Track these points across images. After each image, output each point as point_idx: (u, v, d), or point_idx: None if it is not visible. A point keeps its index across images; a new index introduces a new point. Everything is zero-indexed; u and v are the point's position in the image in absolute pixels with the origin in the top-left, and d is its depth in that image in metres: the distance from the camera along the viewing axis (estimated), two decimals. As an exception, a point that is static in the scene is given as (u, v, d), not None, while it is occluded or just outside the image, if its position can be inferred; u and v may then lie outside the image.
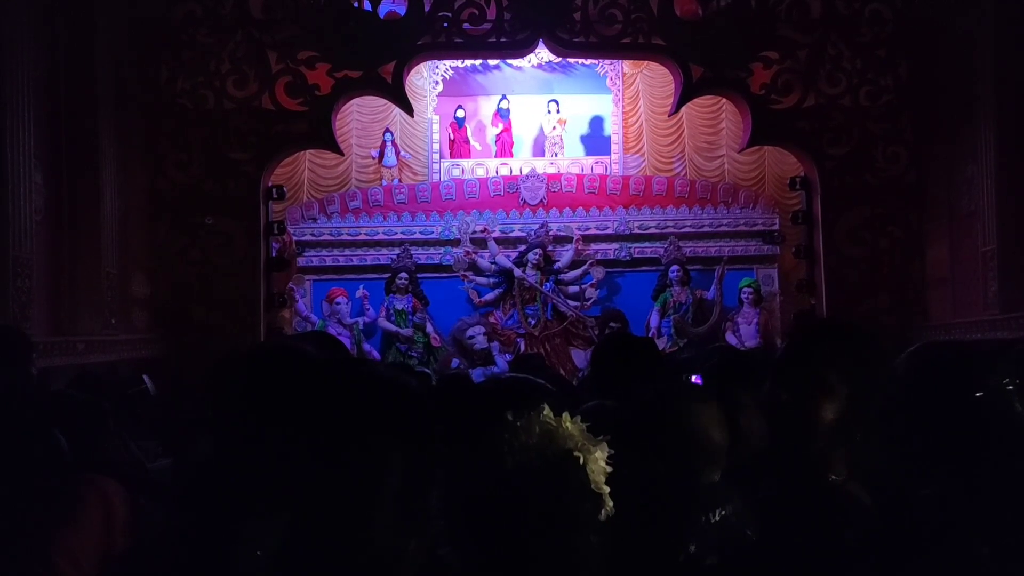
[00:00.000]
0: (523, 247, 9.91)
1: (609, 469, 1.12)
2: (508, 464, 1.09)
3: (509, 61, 10.78)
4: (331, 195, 10.56)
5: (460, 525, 1.14)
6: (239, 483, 0.97)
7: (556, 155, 11.37)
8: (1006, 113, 6.53)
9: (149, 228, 7.12)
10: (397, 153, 11.22)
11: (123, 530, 2.30)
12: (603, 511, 1.11)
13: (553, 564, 1.08)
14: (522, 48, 7.60)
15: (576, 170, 11.04)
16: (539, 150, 11.57)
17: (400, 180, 11.08)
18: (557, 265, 9.93)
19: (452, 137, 11.49)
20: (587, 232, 10.11)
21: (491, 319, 9.85)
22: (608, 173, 11.14)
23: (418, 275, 9.84)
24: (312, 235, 10.01)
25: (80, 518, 2.27)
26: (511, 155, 11.42)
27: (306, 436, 0.98)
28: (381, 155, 11.18)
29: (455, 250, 9.93)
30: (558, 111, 11.43)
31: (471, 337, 9.57)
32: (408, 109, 7.83)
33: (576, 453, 1.10)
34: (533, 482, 1.08)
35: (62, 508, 2.27)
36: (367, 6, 7.19)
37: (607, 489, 1.11)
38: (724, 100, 9.53)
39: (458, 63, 11.06)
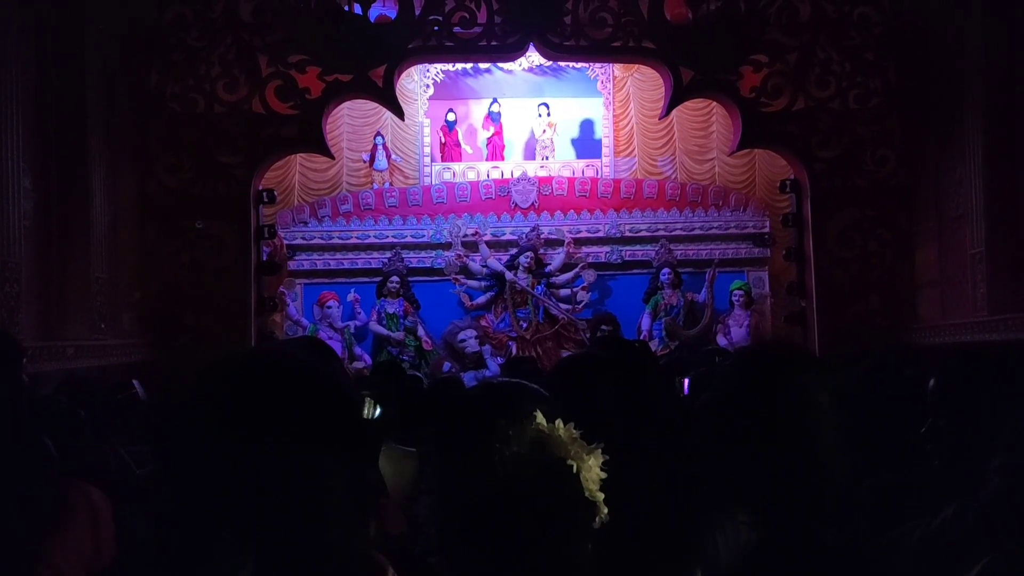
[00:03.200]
0: (514, 250, 9.92)
1: (604, 475, 1.11)
2: (499, 473, 1.08)
3: (500, 64, 10.79)
4: (322, 199, 10.55)
5: (451, 534, 1.13)
6: (211, 492, 0.96)
7: (547, 158, 11.38)
8: (994, 116, 6.56)
9: (139, 232, 7.09)
10: (388, 157, 11.22)
11: (109, 539, 2.28)
12: (597, 518, 1.11)
13: (547, 573, 1.08)
14: (513, 52, 7.60)
15: (567, 173, 11.05)
16: (530, 153, 11.59)
17: (391, 184, 11.08)
18: (548, 268, 9.94)
19: (443, 140, 11.49)
20: (578, 235, 10.12)
21: (482, 322, 9.85)
22: (599, 176, 11.16)
23: (409, 279, 9.83)
24: (303, 239, 9.99)
25: (66, 526, 2.25)
26: (502, 158, 11.43)
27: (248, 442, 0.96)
28: (372, 159, 11.18)
29: (446, 253, 9.93)
30: (549, 114, 11.44)
31: (462, 340, 9.57)
32: (399, 113, 7.83)
33: (569, 461, 1.09)
34: (525, 491, 1.08)
35: (48, 516, 2.25)
36: (357, 9, 7.18)
37: (601, 496, 1.10)
38: (714, 103, 9.55)
39: (449, 67, 11.06)
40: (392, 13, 7.43)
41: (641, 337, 9.41)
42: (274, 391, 1.00)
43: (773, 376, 1.48)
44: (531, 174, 10.75)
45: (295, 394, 1.01)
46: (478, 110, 11.68)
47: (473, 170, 11.27)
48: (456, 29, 7.23)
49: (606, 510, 1.10)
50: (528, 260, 9.76)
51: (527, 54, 8.28)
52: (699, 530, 1.43)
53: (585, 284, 9.92)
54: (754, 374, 1.50)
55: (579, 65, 10.94)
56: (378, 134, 11.17)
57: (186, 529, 0.94)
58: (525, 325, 9.81)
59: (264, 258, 7.66)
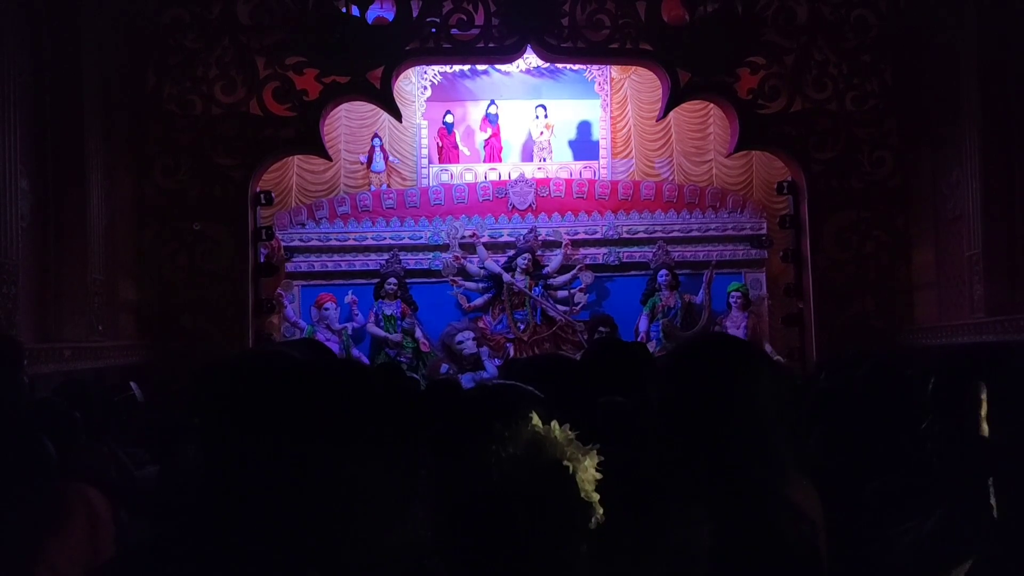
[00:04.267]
0: (512, 252, 9.91)
1: (599, 477, 1.12)
2: (495, 475, 1.09)
3: (497, 66, 10.79)
4: (319, 200, 10.54)
5: (448, 536, 1.13)
6: (229, 492, 0.96)
7: (544, 160, 11.39)
8: (990, 117, 6.59)
9: (136, 234, 7.09)
10: (386, 158, 11.22)
11: (107, 539, 2.28)
12: (593, 519, 1.11)
13: (543, 574, 1.09)
14: (510, 53, 7.61)
15: (564, 175, 11.06)
16: (527, 155, 11.59)
17: (389, 185, 11.08)
18: (546, 270, 9.93)
19: (440, 142, 11.49)
20: (576, 236, 10.11)
21: (480, 324, 9.84)
22: (596, 178, 11.17)
23: (407, 280, 9.82)
24: (300, 240, 9.98)
25: (65, 527, 2.25)
26: (500, 160, 11.43)
27: (286, 441, 0.97)
28: (369, 160, 11.18)
29: (444, 255, 9.92)
30: (546, 116, 11.45)
31: (460, 342, 9.56)
32: (396, 114, 7.83)
33: (565, 463, 1.10)
34: (521, 493, 1.08)
35: (47, 516, 2.25)
36: (355, 12, 7.18)
37: (597, 497, 1.11)
38: (711, 105, 9.57)
39: (446, 68, 11.07)
40: (390, 15, 7.43)
41: (639, 339, 9.40)
42: (316, 393, 1.01)
43: (717, 369, 1.50)
44: (528, 176, 10.75)
45: (345, 396, 1.02)
46: (476, 112, 11.68)
47: (471, 172, 11.28)
48: (454, 31, 7.24)
49: (602, 511, 1.11)
50: (526, 262, 9.76)
51: (524, 56, 8.29)
52: (662, 524, 1.44)
53: (583, 286, 9.92)
54: (699, 368, 1.52)
55: (576, 67, 10.94)
56: (376, 136, 11.17)
57: (238, 541, 0.94)
58: (523, 327, 9.81)
59: (261, 260, 7.66)
